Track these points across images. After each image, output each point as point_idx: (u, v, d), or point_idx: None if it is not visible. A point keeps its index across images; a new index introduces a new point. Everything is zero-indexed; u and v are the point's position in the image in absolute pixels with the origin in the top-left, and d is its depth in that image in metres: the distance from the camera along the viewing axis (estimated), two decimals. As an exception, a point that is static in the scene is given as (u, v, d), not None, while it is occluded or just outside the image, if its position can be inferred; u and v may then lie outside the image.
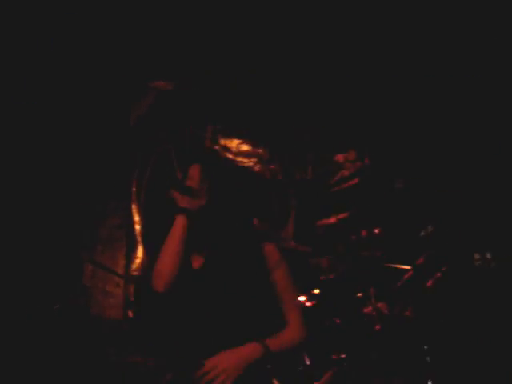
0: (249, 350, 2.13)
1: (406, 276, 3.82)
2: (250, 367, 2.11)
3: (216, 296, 2.20)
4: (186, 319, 2.22)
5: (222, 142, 4.86)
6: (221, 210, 2.29)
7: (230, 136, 4.90)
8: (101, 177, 4.63)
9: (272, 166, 4.93)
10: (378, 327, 3.65)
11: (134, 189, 4.76)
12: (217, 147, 4.77)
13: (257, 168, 4.91)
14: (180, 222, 2.24)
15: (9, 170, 4.23)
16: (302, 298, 3.72)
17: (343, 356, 3.56)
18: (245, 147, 4.94)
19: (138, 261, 4.68)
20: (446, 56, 4.35)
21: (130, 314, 4.46)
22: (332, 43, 4.59)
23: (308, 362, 3.15)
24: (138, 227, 4.72)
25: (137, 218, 4.73)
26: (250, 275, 2.23)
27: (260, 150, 4.96)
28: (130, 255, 4.66)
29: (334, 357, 3.57)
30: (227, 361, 2.10)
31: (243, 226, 2.34)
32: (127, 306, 4.49)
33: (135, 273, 4.65)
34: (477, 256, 3.99)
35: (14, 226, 4.16)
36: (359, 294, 3.81)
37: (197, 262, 2.29)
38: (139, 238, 4.70)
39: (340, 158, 4.86)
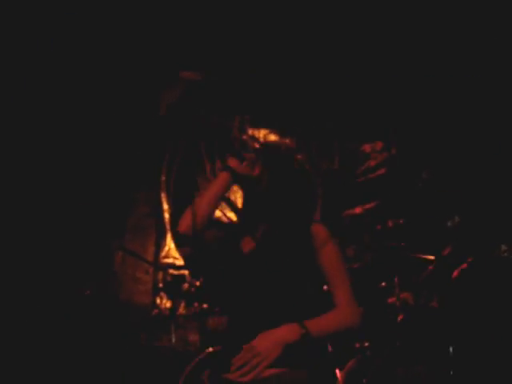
0: (285, 332, 2.06)
1: (431, 266, 3.82)
2: (288, 349, 2.04)
3: (267, 280, 2.15)
4: (238, 303, 2.21)
5: (250, 131, 4.90)
6: (272, 195, 2.26)
7: (257, 126, 4.94)
8: (130, 166, 4.72)
9: (299, 156, 4.94)
10: (401, 317, 3.66)
11: (163, 178, 4.84)
12: (245, 137, 4.80)
13: (284, 158, 4.93)
14: (222, 177, 2.26)
15: (44, 159, 4.33)
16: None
17: (366, 344, 3.58)
18: (272, 137, 4.98)
19: (166, 248, 4.76)
20: (474, 48, 4.32)
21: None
22: (359, 32, 4.58)
23: (330, 349, 3.17)
24: (167, 215, 4.80)
25: (166, 207, 4.81)
26: (299, 257, 2.17)
27: (287, 140, 4.99)
28: (159, 243, 4.75)
29: (357, 345, 3.59)
30: (263, 343, 2.05)
31: (291, 208, 2.29)
32: (156, 292, 4.58)
33: (164, 260, 4.73)
34: (503, 247, 3.96)
35: (47, 215, 4.27)
36: (384, 284, 3.82)
37: (247, 247, 2.27)
38: (168, 226, 4.78)
39: (367, 148, 4.86)
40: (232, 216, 3.79)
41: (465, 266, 3.78)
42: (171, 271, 4.61)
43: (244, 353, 2.07)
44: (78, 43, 4.38)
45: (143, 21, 4.48)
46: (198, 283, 3.90)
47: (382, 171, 4.67)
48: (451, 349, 3.37)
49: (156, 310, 4.55)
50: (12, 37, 4.09)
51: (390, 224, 4.09)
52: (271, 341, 2.06)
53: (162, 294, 4.55)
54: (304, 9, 4.33)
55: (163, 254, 4.75)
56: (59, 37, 4.28)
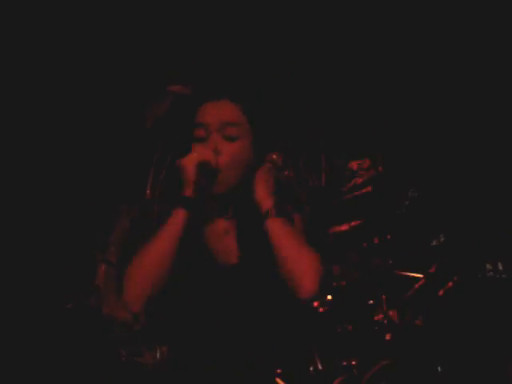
0: None
1: (417, 284, 3.83)
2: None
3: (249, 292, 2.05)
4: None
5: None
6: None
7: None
8: (115, 178, 4.66)
9: (285, 172, 4.93)
10: (388, 335, 3.66)
11: (148, 191, 4.78)
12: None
13: (270, 174, 4.92)
14: (175, 218, 1.85)
15: (25, 170, 4.25)
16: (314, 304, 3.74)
17: (353, 363, 3.57)
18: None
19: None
20: (462, 66, 4.37)
21: None
22: (347, 48, 4.61)
23: (320, 367, 3.16)
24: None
25: (149, 220, 4.74)
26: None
27: (274, 156, 4.96)
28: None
29: (344, 363, 3.58)
30: None
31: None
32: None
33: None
34: (488, 266, 3.99)
35: (29, 226, 4.19)
36: (371, 302, 3.82)
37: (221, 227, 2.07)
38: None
39: (354, 165, 4.87)
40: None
41: (450, 284, 3.81)
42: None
43: None
44: (64, 51, 4.33)
45: (131, 32, 4.46)
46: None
47: (368, 189, 4.67)
48: (439, 368, 3.38)
49: (139, 325, 4.47)
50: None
51: (376, 241, 4.10)
52: None
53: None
54: (291, 16, 4.35)
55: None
56: (41, 45, 4.24)
